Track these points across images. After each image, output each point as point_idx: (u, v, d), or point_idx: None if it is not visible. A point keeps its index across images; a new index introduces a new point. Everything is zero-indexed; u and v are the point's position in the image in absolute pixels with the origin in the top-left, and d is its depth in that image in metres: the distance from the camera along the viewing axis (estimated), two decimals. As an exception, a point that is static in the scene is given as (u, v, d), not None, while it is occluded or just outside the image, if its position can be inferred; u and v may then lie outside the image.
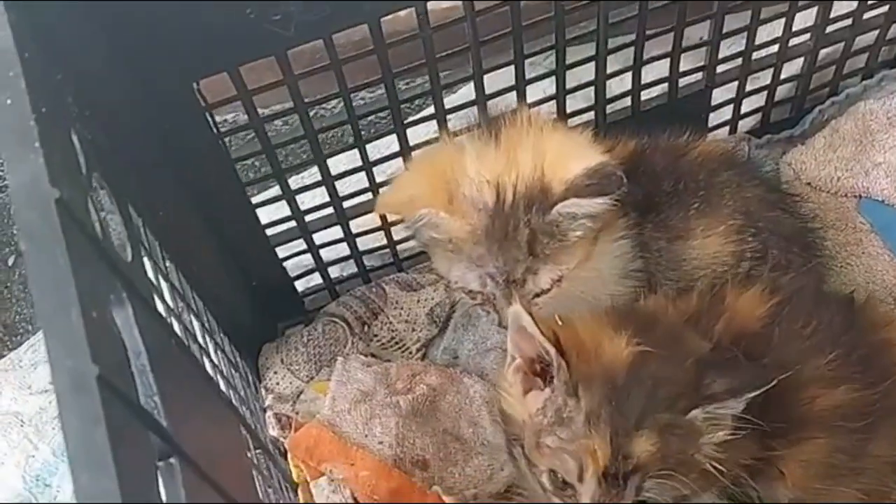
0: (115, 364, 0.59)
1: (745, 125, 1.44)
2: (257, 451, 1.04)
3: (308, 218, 1.21)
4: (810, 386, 0.91)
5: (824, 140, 1.39)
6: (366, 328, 1.32)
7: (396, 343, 1.32)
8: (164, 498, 0.60)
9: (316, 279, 1.33)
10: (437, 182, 0.99)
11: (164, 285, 0.88)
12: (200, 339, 0.96)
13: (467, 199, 0.97)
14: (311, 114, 1.06)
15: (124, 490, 0.49)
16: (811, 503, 0.93)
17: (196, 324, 0.98)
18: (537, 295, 1.02)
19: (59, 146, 0.65)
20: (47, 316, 0.54)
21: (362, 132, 1.13)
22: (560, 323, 0.86)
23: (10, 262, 1.57)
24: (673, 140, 1.15)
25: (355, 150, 1.15)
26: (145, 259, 0.82)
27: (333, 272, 1.34)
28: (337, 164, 1.19)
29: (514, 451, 0.90)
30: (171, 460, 0.63)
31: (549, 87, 1.22)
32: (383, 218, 1.25)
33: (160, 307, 0.81)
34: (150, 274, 0.83)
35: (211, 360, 0.98)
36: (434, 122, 1.16)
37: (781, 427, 0.88)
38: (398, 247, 1.33)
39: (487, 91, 1.15)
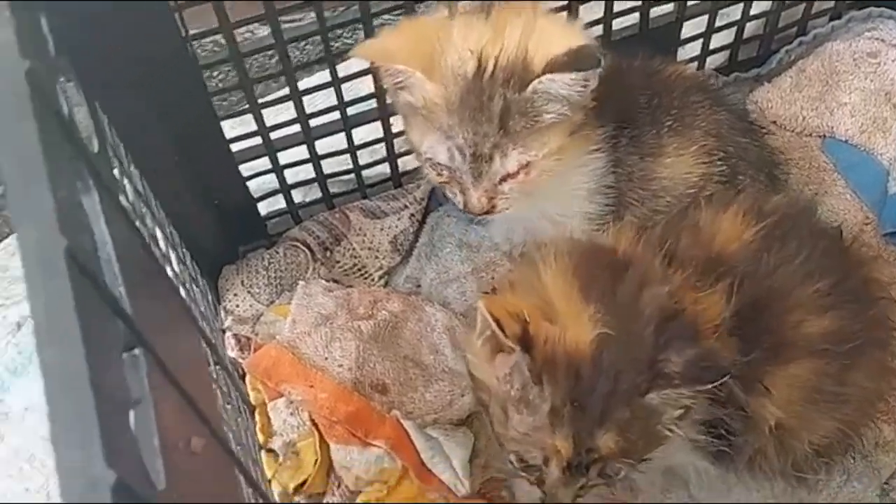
0: (84, 243, 0.57)
1: (712, 62, 1.44)
2: (217, 366, 1.02)
3: (273, 135, 1.18)
4: (799, 310, 0.91)
5: (791, 79, 1.40)
6: (328, 254, 1.30)
7: (358, 270, 1.31)
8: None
9: (279, 202, 1.31)
10: (421, 45, 0.97)
11: (128, 186, 0.85)
12: (163, 248, 0.94)
13: (448, 66, 0.96)
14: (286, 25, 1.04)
15: (91, 367, 0.47)
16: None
17: (159, 233, 0.95)
18: (503, 179, 1.01)
19: (29, 25, 0.62)
20: (14, 186, 0.52)
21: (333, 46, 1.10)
22: (529, 315, 0.82)
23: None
24: (647, 60, 1.15)
25: (325, 66, 1.13)
26: (111, 156, 0.80)
27: (297, 196, 1.31)
28: (307, 80, 1.16)
29: (486, 418, 0.91)
30: (136, 352, 0.61)
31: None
32: (350, 140, 1.24)
33: (125, 205, 0.79)
34: (116, 171, 0.81)
35: (174, 271, 0.95)
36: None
37: (769, 346, 0.88)
38: (363, 172, 1.31)
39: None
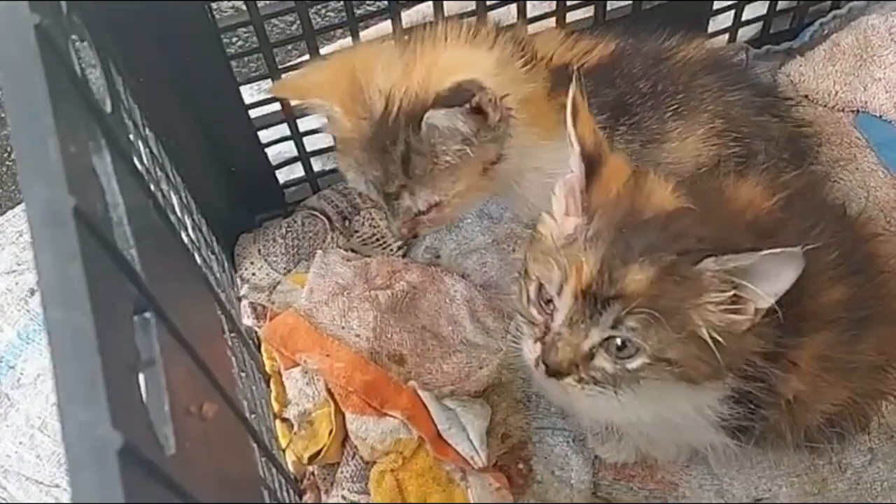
0: (93, 202, 0.55)
1: (744, 34, 1.41)
2: (232, 334, 1.01)
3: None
4: (818, 279, 0.89)
5: (824, 53, 1.37)
6: (346, 223, 1.29)
7: (377, 240, 1.29)
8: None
9: (297, 171, 1.29)
10: (344, 78, 0.98)
11: (142, 149, 0.84)
12: (178, 213, 0.93)
13: (363, 103, 0.97)
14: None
15: (99, 328, 0.45)
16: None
17: (174, 198, 0.94)
18: (417, 214, 1.04)
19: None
20: (22, 144, 0.50)
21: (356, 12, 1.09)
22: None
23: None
24: (660, 43, 1.12)
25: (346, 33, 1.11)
26: (125, 118, 0.78)
27: (316, 165, 1.30)
28: (328, 47, 1.15)
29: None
30: (147, 315, 0.59)
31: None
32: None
33: (139, 168, 0.77)
34: (131, 134, 0.79)
35: (189, 236, 0.94)
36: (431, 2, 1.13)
37: (794, 316, 0.83)
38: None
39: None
